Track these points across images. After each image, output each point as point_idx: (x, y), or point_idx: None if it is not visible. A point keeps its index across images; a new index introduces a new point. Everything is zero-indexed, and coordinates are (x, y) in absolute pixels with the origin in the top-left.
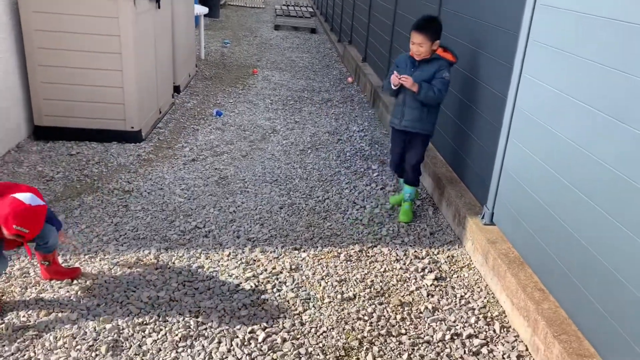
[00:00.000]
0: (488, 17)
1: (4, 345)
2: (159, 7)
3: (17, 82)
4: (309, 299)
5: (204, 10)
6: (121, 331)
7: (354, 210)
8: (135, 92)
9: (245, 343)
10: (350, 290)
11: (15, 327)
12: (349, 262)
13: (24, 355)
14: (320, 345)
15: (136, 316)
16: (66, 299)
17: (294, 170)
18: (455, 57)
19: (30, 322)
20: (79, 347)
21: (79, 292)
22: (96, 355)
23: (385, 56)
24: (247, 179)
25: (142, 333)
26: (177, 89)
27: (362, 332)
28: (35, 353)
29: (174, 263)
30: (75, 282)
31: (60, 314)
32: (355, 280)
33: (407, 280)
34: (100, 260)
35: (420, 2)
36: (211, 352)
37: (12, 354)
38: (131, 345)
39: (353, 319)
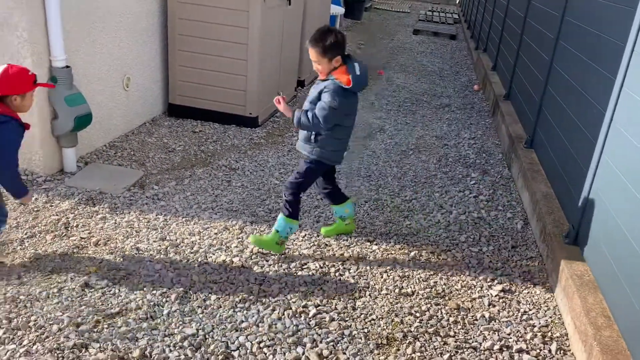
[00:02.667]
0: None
1: (97, 279)
2: (289, 4)
3: (159, 64)
4: (367, 287)
5: (341, 10)
6: (192, 285)
7: (439, 213)
8: (257, 81)
9: (296, 315)
10: (410, 287)
11: (110, 267)
12: (417, 261)
13: (111, 290)
14: (365, 330)
15: (209, 274)
16: (155, 250)
17: (389, 169)
18: (353, 81)
19: (123, 265)
20: (154, 291)
21: (168, 247)
22: (166, 301)
23: (510, 65)
24: (342, 171)
25: (210, 289)
26: (301, 83)
27: (410, 326)
28: (119, 290)
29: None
30: (166, 239)
31: (146, 263)
32: (418, 279)
33: (473, 287)
34: (194, 224)
35: (546, 10)
36: (263, 317)
37: (102, 288)
38: (197, 298)
39: (404, 313)
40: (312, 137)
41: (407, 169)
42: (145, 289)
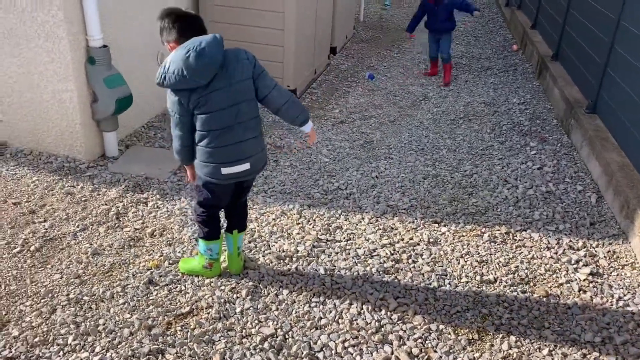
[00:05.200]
0: None
1: (160, 275)
2: None
3: None
4: (445, 275)
5: None
6: (262, 278)
7: (504, 189)
8: (294, 51)
9: (376, 309)
10: (491, 273)
11: (171, 261)
12: (492, 244)
13: (177, 287)
14: (453, 324)
15: (276, 265)
16: None
17: (442, 141)
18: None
19: (184, 257)
20: (222, 287)
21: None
22: (237, 297)
23: (557, 23)
24: (393, 145)
25: (280, 283)
26: (333, 50)
27: (500, 318)
28: (185, 287)
29: (314, 220)
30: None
31: None
32: (498, 264)
33: (557, 271)
34: (249, 209)
35: None
36: (342, 312)
37: (167, 284)
38: (269, 293)
39: (491, 303)
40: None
41: (460, 139)
42: (212, 284)
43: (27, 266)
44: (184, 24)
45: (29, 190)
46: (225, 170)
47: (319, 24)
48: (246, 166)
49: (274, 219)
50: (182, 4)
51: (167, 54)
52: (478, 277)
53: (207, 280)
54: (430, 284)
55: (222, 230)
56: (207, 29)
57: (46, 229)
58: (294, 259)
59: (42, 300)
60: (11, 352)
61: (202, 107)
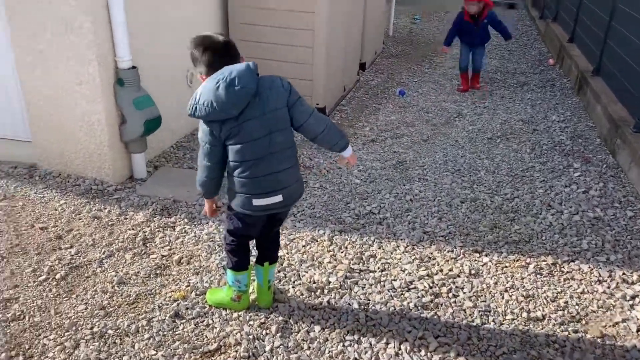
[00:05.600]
0: None
1: (187, 308)
2: None
3: None
4: (489, 311)
5: None
6: (292, 312)
7: (548, 214)
8: (324, 69)
9: (415, 349)
10: (539, 310)
11: (198, 291)
12: (538, 276)
13: (204, 320)
14: None
15: (307, 298)
16: None
17: (479, 161)
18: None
19: (212, 287)
20: (251, 322)
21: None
22: (266, 333)
23: (599, 37)
24: (427, 165)
25: (312, 318)
26: (362, 66)
27: None
28: (212, 321)
29: (346, 248)
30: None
31: None
32: (546, 299)
33: (612, 308)
34: None
35: None
36: (378, 353)
37: (194, 318)
38: (299, 329)
39: (540, 344)
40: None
41: (498, 160)
42: (240, 318)
43: (52, 295)
44: (214, 55)
45: (56, 214)
46: (256, 202)
47: (349, 40)
48: (278, 198)
49: (303, 246)
50: (211, 24)
51: (197, 74)
52: (525, 314)
53: (235, 314)
54: (472, 321)
55: (252, 261)
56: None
57: (72, 255)
58: (326, 291)
59: (66, 334)
60: None
61: (234, 137)
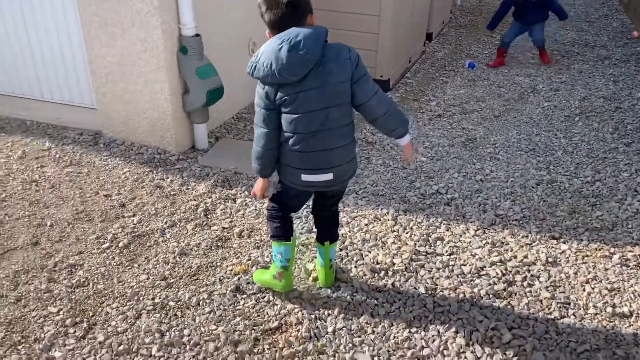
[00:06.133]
0: None
1: (248, 282)
2: None
3: None
4: (568, 304)
5: None
6: (355, 294)
7: (635, 200)
8: (390, 39)
9: (487, 340)
10: (625, 305)
11: (259, 266)
12: (624, 267)
13: (264, 297)
14: None
15: (370, 279)
16: (305, 245)
17: (556, 140)
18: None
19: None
20: (313, 301)
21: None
22: (329, 314)
23: None
24: (499, 143)
25: (375, 301)
26: (429, 37)
27: None
28: (273, 297)
29: (411, 228)
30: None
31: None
32: (633, 293)
33: None
34: (340, 211)
35: None
36: (447, 342)
37: (254, 293)
38: (363, 312)
39: (628, 343)
40: None
41: (577, 140)
42: (302, 296)
43: (115, 264)
44: (276, 15)
45: (120, 182)
46: (305, 177)
47: (416, 8)
48: (329, 176)
49: (366, 224)
50: None
51: (260, 43)
52: (609, 309)
53: (296, 293)
54: (550, 313)
55: (297, 238)
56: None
57: (135, 224)
58: (390, 273)
59: (128, 303)
60: (96, 359)
61: (289, 105)
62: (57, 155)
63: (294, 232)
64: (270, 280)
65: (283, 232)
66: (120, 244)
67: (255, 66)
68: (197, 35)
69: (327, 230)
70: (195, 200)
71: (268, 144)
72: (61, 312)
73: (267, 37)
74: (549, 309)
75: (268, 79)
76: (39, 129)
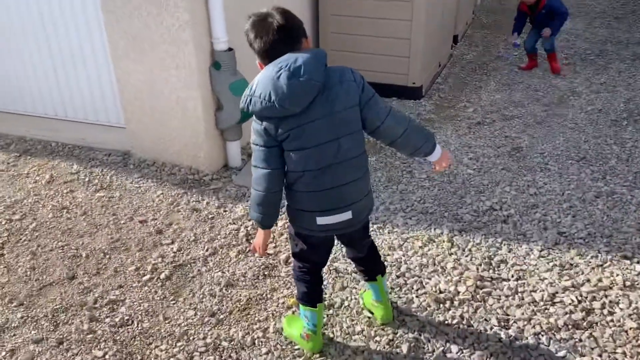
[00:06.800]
0: None
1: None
2: None
3: (310, 31)
4: None
5: None
6: (422, 328)
7: None
8: (422, 44)
9: None
10: None
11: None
12: None
13: (323, 334)
14: None
15: (436, 312)
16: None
17: (607, 147)
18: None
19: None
20: (377, 338)
21: None
22: (397, 353)
23: None
24: (547, 152)
25: (445, 336)
26: (454, 39)
27: None
28: (333, 334)
29: (470, 251)
30: None
31: (354, 291)
32: None
33: None
34: (388, 233)
35: None
36: None
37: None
38: (434, 349)
39: None
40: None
41: (630, 146)
42: (364, 332)
43: (158, 298)
44: (267, 43)
45: (154, 206)
46: (321, 221)
47: (445, 10)
48: (347, 215)
49: (420, 247)
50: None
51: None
52: None
53: (357, 328)
54: (639, 345)
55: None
56: (327, 22)
57: (174, 252)
58: (456, 303)
59: (178, 344)
60: None
61: (294, 140)
62: (87, 179)
63: (323, 297)
64: (297, 338)
65: (309, 297)
66: (162, 276)
67: (251, 99)
68: (230, 49)
69: (372, 265)
70: (234, 223)
71: (271, 186)
72: (107, 356)
73: (259, 67)
74: (637, 340)
75: (267, 112)
76: (64, 150)
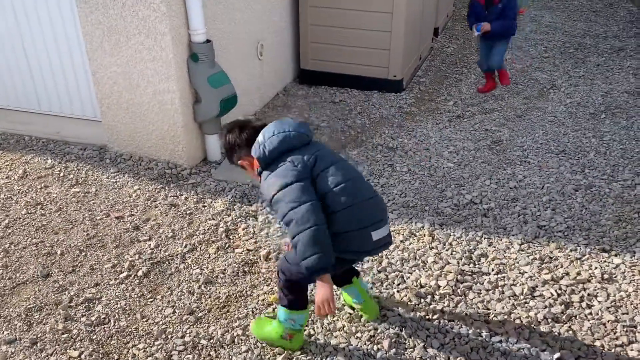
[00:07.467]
0: None
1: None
2: None
3: (288, 24)
4: (635, 326)
5: None
6: (403, 324)
7: None
8: (403, 37)
9: None
10: None
11: None
12: None
13: (305, 331)
14: None
15: (418, 307)
16: None
17: (586, 140)
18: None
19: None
20: (358, 334)
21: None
22: (378, 349)
23: None
24: (527, 145)
25: (427, 331)
26: (435, 32)
27: None
28: (315, 331)
29: (451, 245)
30: None
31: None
32: None
33: None
34: None
35: None
36: None
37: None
38: (415, 345)
39: None
40: None
41: (608, 139)
42: (345, 329)
43: (135, 296)
44: (251, 131)
45: (131, 202)
46: (376, 235)
47: (426, 3)
48: (388, 229)
49: (402, 241)
50: None
51: (267, 45)
52: None
53: (338, 324)
54: (617, 338)
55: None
56: (307, 14)
57: (152, 249)
58: (437, 297)
59: (156, 343)
60: None
61: (321, 161)
62: (61, 174)
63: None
64: (276, 339)
65: (301, 303)
66: (139, 273)
67: (265, 144)
68: (208, 41)
69: (346, 271)
70: (213, 219)
71: (320, 218)
72: (83, 356)
73: (251, 167)
74: (614, 333)
75: (286, 144)
76: (38, 144)
